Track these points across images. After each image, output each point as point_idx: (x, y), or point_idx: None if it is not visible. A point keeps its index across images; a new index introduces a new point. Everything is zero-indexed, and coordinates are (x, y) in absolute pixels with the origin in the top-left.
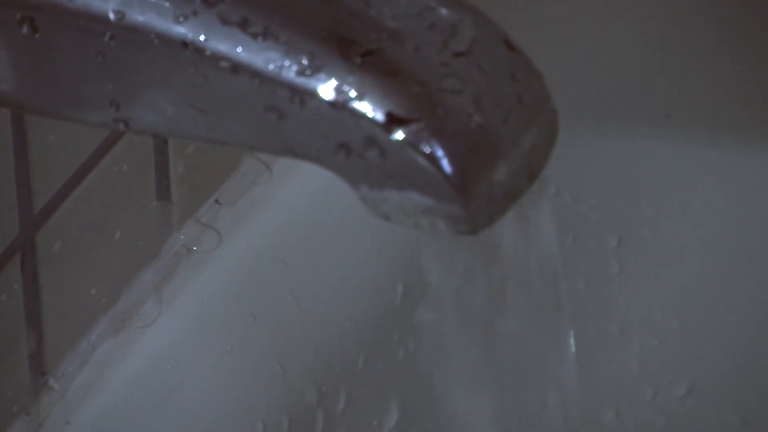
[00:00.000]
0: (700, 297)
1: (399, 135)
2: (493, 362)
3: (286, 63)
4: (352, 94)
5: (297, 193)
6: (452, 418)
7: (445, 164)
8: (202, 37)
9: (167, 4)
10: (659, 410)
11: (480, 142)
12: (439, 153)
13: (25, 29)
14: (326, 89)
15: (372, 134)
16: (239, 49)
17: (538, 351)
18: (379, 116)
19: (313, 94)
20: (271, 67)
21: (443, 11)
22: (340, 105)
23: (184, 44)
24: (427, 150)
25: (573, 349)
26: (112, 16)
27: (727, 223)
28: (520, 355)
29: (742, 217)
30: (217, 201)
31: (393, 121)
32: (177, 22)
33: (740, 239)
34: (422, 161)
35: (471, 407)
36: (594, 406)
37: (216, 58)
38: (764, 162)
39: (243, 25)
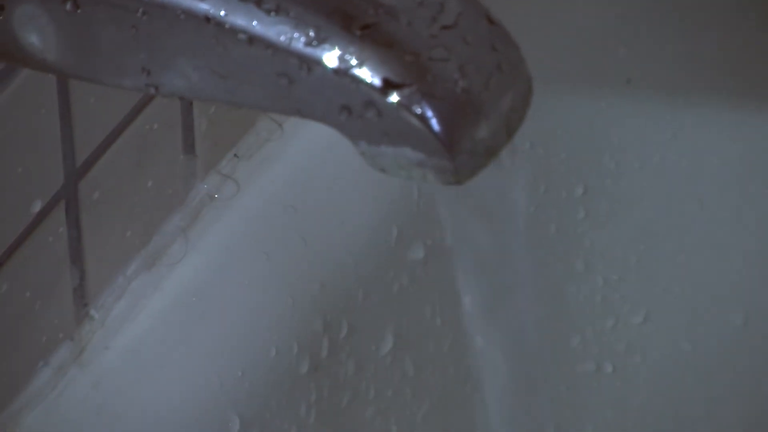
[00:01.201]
0: (656, 238)
1: (394, 98)
2: (476, 292)
3: (296, 35)
4: (353, 62)
5: (305, 148)
6: (441, 343)
7: (434, 123)
8: (222, 13)
9: None
10: (619, 336)
11: (464, 104)
12: (429, 114)
13: (68, 6)
14: (330, 58)
15: (370, 97)
16: (254, 23)
17: (514, 282)
18: (377, 81)
19: (319, 62)
20: (282, 38)
21: None
22: (342, 72)
23: (207, 19)
24: (418, 111)
25: (543, 283)
26: None
27: (679, 174)
28: (499, 288)
29: (692, 169)
30: (235, 155)
31: (388, 85)
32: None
33: (690, 188)
34: (414, 121)
35: (457, 335)
36: (563, 332)
37: (234, 31)
38: (711, 120)
39: (258, 2)
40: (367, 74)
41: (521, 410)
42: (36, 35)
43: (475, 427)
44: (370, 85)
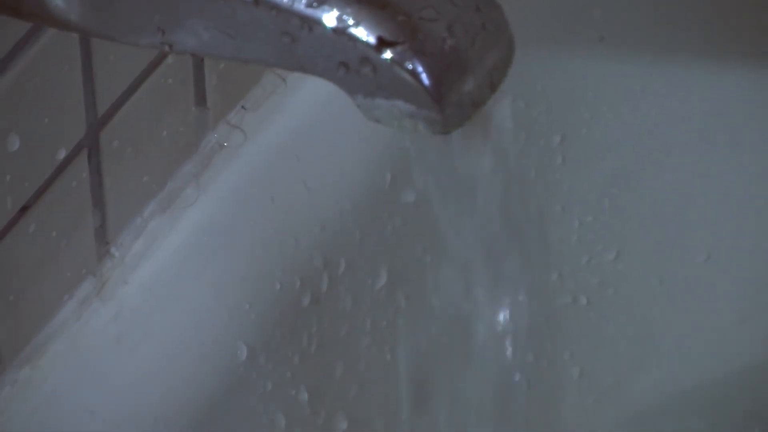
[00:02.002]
0: (627, 183)
1: (387, 55)
2: (464, 232)
3: None
4: (350, 22)
5: (306, 100)
6: (431, 279)
7: (425, 78)
8: None
9: None
10: (593, 272)
11: (452, 61)
12: (420, 69)
13: None
14: (329, 18)
15: (366, 54)
16: None
17: (498, 223)
18: (372, 40)
19: (319, 22)
20: (285, 0)
21: None
22: (340, 31)
23: None
24: (410, 67)
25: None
26: None
27: (648, 124)
28: (486, 226)
29: (660, 120)
30: (243, 107)
31: (383, 43)
32: None
33: (658, 137)
34: (406, 76)
35: (446, 271)
36: (542, 268)
37: None
38: (678, 76)
39: None
40: (363, 33)
41: (503, 339)
42: None
43: (463, 353)
44: (366, 43)
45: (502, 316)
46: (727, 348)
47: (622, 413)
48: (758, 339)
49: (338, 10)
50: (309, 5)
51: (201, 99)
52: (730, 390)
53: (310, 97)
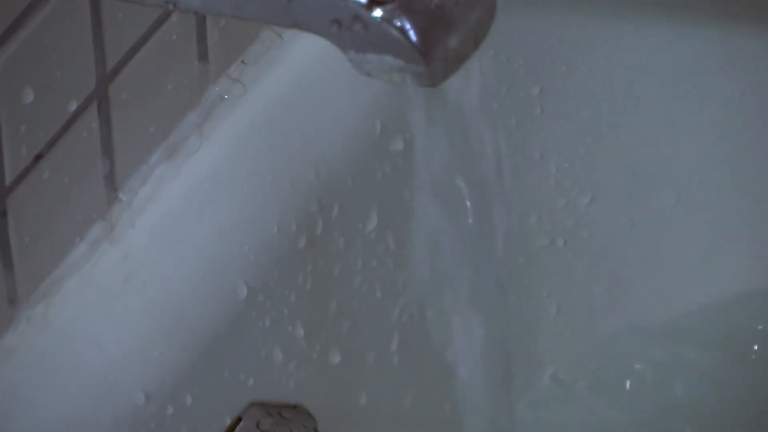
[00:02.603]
0: (601, 131)
1: (377, 13)
2: (447, 177)
3: None
4: None
5: (302, 56)
6: (417, 221)
7: (412, 35)
8: None
9: None
10: (569, 215)
11: (438, 18)
12: (408, 26)
13: None
14: None
15: (357, 12)
16: None
17: (481, 169)
18: None
19: None
20: None
21: None
22: None
23: None
24: (398, 24)
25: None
26: None
27: (620, 77)
28: (467, 174)
29: (631, 73)
30: (243, 61)
31: (373, 2)
32: None
33: (629, 89)
34: (395, 33)
35: (431, 213)
36: (522, 211)
37: None
38: (648, 32)
39: None
40: None
41: (484, 279)
42: None
43: (448, 292)
44: (357, 2)
45: (484, 256)
46: (693, 284)
47: (596, 346)
48: (721, 276)
49: None
50: None
51: (203, 54)
52: (694, 323)
53: (305, 52)
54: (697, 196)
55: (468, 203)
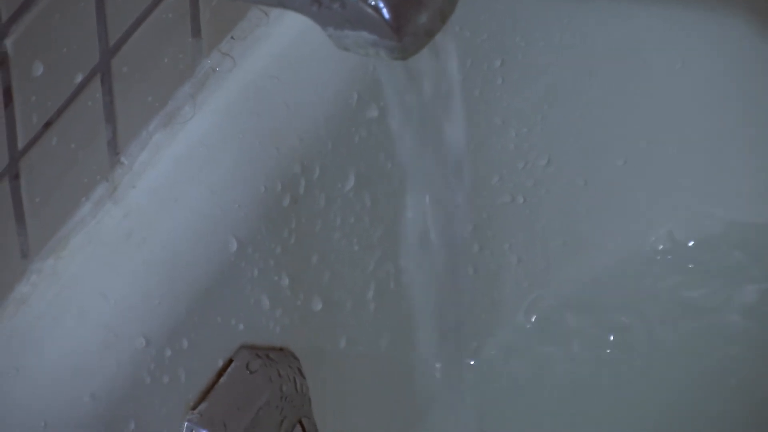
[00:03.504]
0: (556, 99)
1: None
2: (418, 141)
3: None
4: None
5: (286, 32)
6: (392, 181)
7: (385, 12)
8: None
9: None
10: (528, 175)
11: None
12: (381, 5)
13: None
14: None
15: None
16: None
17: (447, 134)
18: None
19: None
20: None
21: None
22: None
23: None
24: (373, 3)
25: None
26: None
27: (574, 51)
28: (434, 139)
29: (584, 47)
30: (232, 37)
31: None
32: None
33: (583, 61)
34: (369, 11)
35: (404, 173)
36: (485, 172)
37: None
38: (599, 8)
39: None
40: None
41: (453, 233)
42: None
43: (417, 245)
44: None
45: (453, 213)
46: (637, 237)
47: (553, 294)
48: (663, 230)
49: None
50: None
51: (196, 31)
52: (639, 270)
53: (289, 28)
54: (642, 158)
55: (436, 166)
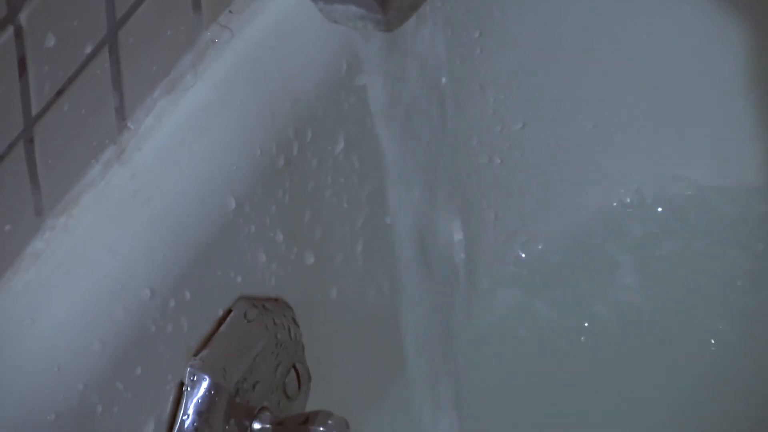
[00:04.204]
0: (530, 68)
1: None
2: (404, 109)
3: None
4: None
5: (280, 6)
6: (379, 144)
7: None
8: None
9: None
10: (505, 138)
11: None
12: None
13: None
14: None
15: None
16: None
17: (428, 100)
18: None
19: None
20: None
21: None
22: None
23: None
24: None
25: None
26: None
27: (546, 22)
28: (417, 105)
29: (555, 19)
30: (230, 11)
31: None
32: None
33: (556, 32)
34: None
35: (388, 137)
36: (464, 136)
37: None
38: None
39: None
40: None
41: (434, 190)
42: None
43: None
44: None
45: (432, 174)
46: (606, 193)
47: (526, 246)
48: (630, 189)
49: None
50: None
51: (197, 5)
52: (610, 224)
53: (283, 3)
54: (610, 122)
55: (421, 130)
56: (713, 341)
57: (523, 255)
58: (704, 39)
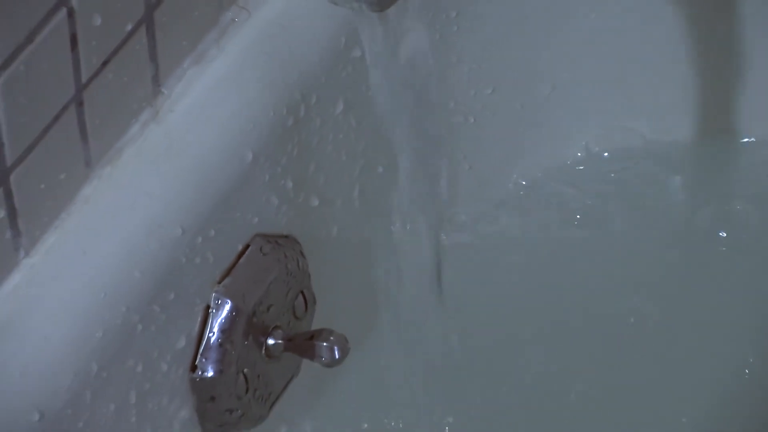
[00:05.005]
0: (499, 42)
1: None
2: (392, 77)
3: None
4: None
5: None
6: (370, 108)
7: None
8: None
9: None
10: (477, 100)
11: None
12: None
13: None
14: None
15: None
16: None
17: (413, 71)
18: None
19: None
20: None
21: None
22: None
23: None
24: None
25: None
26: None
27: (515, 3)
28: (404, 75)
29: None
30: None
31: None
32: None
33: (520, 10)
34: None
35: (381, 100)
36: (444, 98)
37: None
38: None
39: None
40: None
41: (416, 142)
42: None
43: (388, 151)
44: None
45: (417, 127)
46: (562, 145)
47: (496, 193)
48: (583, 143)
49: None
50: None
51: None
52: (564, 169)
53: None
54: (565, 86)
55: (408, 94)
56: (663, 262)
57: (491, 199)
58: (645, 14)
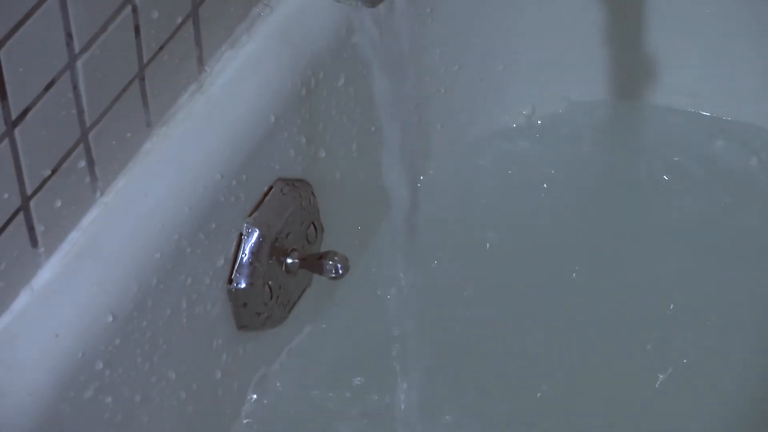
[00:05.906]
0: (467, 32)
1: None
2: (385, 58)
3: None
4: None
5: None
6: (375, 80)
7: None
8: None
9: None
10: (446, 76)
11: None
12: None
13: None
14: None
15: None
16: None
17: (403, 50)
18: None
19: None
20: None
21: None
22: None
23: None
24: None
25: (417, 50)
26: None
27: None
28: (396, 50)
29: None
30: None
31: None
32: None
33: (483, 7)
34: None
35: (373, 75)
36: (420, 74)
37: None
38: None
39: None
40: None
41: (400, 111)
42: None
43: (384, 105)
44: None
45: (400, 96)
46: (513, 109)
47: (459, 149)
48: (528, 104)
49: None
50: None
51: None
52: (517, 128)
53: None
54: (514, 63)
55: (393, 71)
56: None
57: (455, 152)
58: (579, 7)
